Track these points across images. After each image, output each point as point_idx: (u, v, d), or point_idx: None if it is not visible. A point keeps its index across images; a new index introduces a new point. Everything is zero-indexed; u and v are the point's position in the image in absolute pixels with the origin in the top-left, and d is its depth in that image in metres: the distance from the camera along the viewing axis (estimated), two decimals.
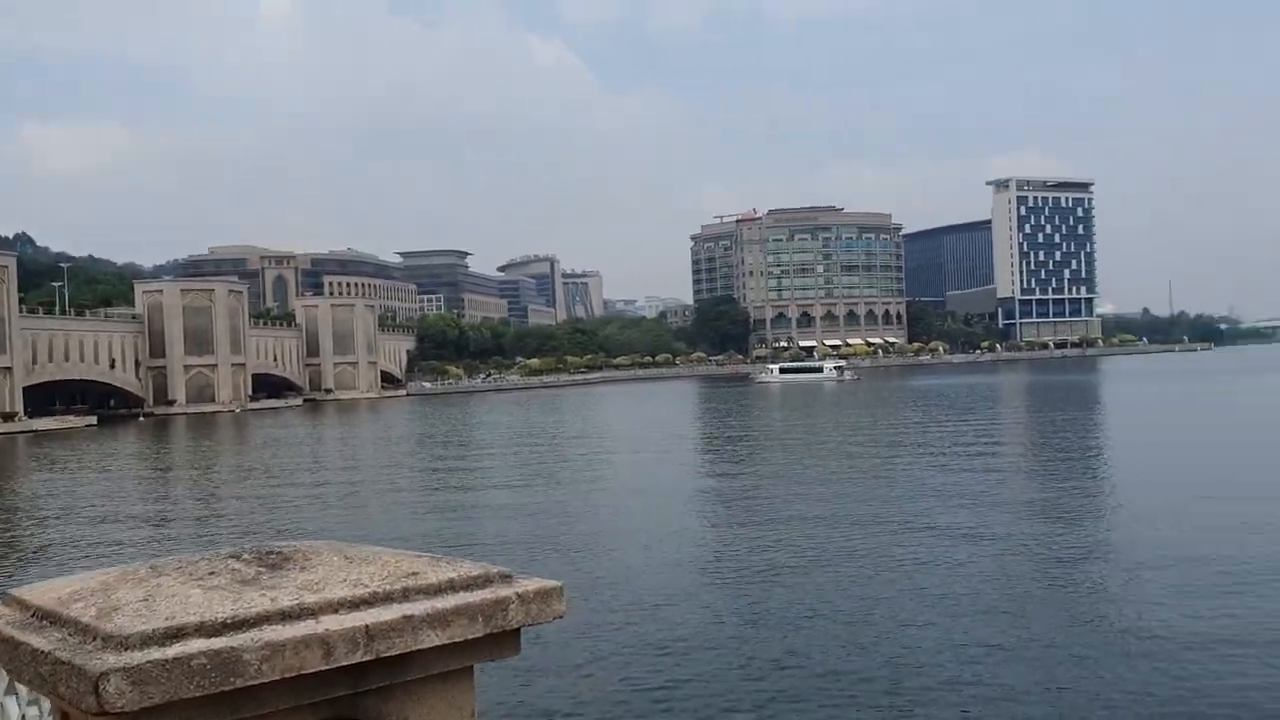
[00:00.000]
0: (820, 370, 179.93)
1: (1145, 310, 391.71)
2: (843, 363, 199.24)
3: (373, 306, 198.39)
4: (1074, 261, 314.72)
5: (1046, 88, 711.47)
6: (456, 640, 2.00)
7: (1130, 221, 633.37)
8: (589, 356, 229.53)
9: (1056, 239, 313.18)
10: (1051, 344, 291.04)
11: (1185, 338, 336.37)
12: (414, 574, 2.07)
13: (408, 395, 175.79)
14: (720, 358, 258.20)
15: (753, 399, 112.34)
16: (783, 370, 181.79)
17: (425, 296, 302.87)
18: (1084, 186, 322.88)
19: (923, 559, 22.67)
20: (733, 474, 42.42)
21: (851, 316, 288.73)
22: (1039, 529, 26.08)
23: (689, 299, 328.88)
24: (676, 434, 64.36)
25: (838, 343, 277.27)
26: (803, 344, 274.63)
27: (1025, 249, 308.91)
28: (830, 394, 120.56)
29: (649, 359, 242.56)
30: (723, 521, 29.77)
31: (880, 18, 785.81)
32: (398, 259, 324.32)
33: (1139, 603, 18.37)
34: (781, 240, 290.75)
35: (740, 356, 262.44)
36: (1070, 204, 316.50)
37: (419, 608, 1.97)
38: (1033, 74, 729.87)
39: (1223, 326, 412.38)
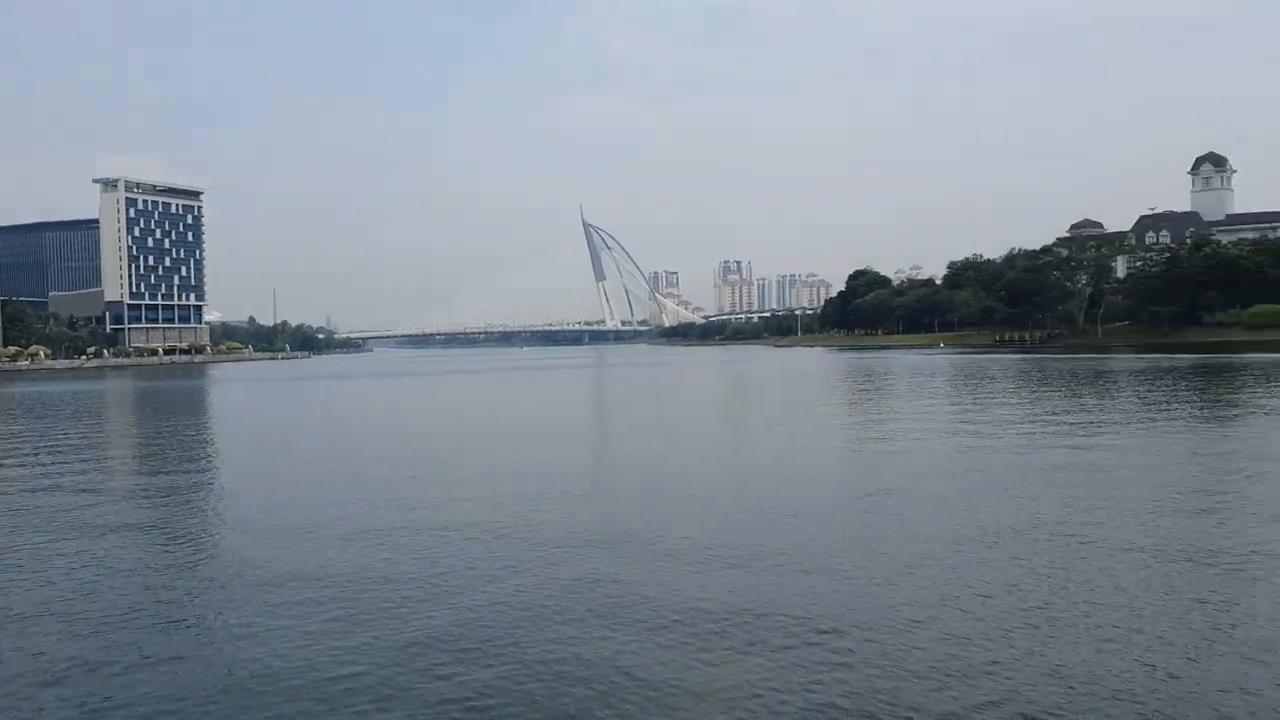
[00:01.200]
0: None
1: (251, 319, 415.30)
2: None
3: None
4: (184, 268, 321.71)
5: (162, 91, 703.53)
6: None
7: (240, 233, 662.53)
8: None
9: (167, 244, 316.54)
10: (161, 350, 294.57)
11: (288, 346, 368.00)
12: None
13: None
14: None
15: None
16: None
17: None
18: (194, 194, 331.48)
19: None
20: None
21: None
22: (148, 530, 31.68)
23: None
24: None
25: None
26: None
27: (135, 252, 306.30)
28: None
29: None
30: None
31: None
32: None
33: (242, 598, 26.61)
34: None
35: None
36: (181, 210, 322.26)
37: None
38: (146, 76, 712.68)
39: (321, 336, 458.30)
